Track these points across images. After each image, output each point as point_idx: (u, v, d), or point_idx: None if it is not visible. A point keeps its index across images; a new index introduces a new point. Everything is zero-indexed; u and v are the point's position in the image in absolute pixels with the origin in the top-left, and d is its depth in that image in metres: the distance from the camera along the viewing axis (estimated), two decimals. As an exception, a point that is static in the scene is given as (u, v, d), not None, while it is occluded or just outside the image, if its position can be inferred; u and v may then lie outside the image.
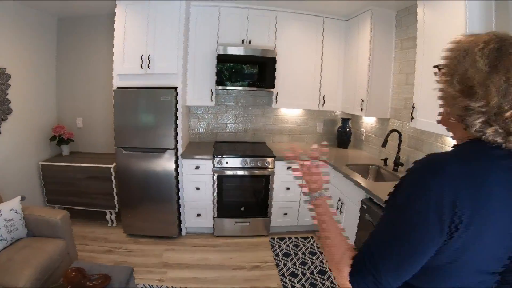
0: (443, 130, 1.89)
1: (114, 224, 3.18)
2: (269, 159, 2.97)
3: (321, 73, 3.25)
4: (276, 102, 3.22)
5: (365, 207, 2.16)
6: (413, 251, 0.64)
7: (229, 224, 3.05)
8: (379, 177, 2.80)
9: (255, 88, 3.11)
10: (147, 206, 2.90)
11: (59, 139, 3.17)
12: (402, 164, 2.64)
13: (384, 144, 2.60)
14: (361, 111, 2.87)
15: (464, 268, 0.68)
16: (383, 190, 2.10)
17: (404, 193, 0.68)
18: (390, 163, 2.79)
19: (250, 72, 3.08)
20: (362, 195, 2.23)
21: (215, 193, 2.96)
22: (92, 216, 3.22)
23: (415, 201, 0.65)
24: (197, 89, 3.08)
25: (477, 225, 0.63)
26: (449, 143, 2.18)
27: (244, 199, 3.05)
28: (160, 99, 2.70)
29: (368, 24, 2.80)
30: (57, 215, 2.24)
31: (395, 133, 2.66)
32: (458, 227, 0.62)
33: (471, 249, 0.65)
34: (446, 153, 0.70)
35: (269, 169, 2.98)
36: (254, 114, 3.58)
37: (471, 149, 0.69)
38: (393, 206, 0.70)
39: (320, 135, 3.74)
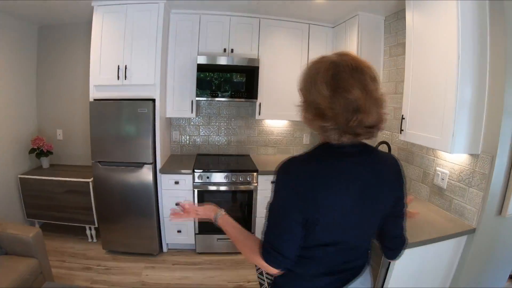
0: (434, 143, 1.90)
1: (94, 240, 3.08)
2: (252, 174, 2.85)
3: (307, 82, 3.13)
4: (259, 113, 3.10)
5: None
6: (288, 227, 0.87)
7: (211, 240, 2.94)
8: None
9: (237, 99, 2.99)
10: (127, 222, 2.80)
11: (38, 151, 3.09)
12: None
13: None
14: None
15: (327, 250, 0.92)
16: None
17: (273, 191, 0.91)
18: None
19: (232, 82, 2.97)
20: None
21: (196, 208, 2.85)
22: (72, 231, 3.13)
23: (279, 196, 0.89)
24: (177, 101, 2.98)
25: (326, 209, 0.85)
26: (442, 156, 2.05)
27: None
28: (137, 112, 2.60)
29: (355, 30, 2.67)
30: (30, 233, 2.14)
31: (384, 145, 2.53)
32: (309, 212, 0.85)
33: (327, 230, 0.89)
34: (301, 155, 0.93)
35: (253, 184, 2.86)
36: (237, 126, 3.47)
37: (323, 150, 0.91)
38: (269, 202, 0.92)
39: (307, 146, 3.62)
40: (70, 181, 2.91)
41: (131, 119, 2.63)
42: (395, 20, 2.58)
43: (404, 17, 2.11)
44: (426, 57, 1.88)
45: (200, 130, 3.40)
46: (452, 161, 1.97)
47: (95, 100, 2.70)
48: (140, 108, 2.59)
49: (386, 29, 2.71)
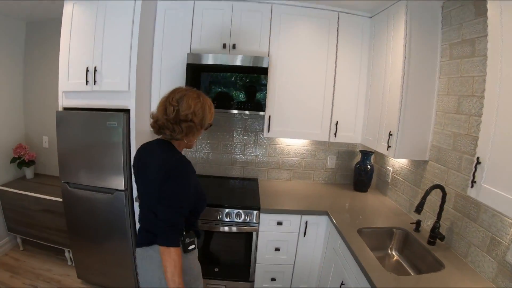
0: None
1: (74, 264, 2.71)
2: (253, 212, 2.18)
3: (333, 91, 2.32)
4: (268, 130, 2.38)
5: None
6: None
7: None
8: (406, 248, 1.89)
9: (236, 111, 2.30)
10: (100, 254, 2.34)
11: (20, 160, 2.77)
12: (442, 238, 1.68)
13: (419, 210, 1.66)
14: (388, 149, 1.92)
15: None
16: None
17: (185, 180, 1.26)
18: (425, 229, 1.87)
19: (233, 88, 2.29)
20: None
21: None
22: (54, 250, 2.79)
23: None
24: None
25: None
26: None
27: (218, 259, 2.33)
28: (105, 125, 2.07)
29: (402, 21, 1.82)
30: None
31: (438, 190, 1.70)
32: None
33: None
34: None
35: (252, 225, 2.19)
36: (243, 142, 2.79)
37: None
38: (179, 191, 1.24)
39: (332, 171, 2.81)
40: (45, 199, 2.53)
41: (100, 135, 2.11)
42: (459, 7, 1.68)
43: (473, 2, 1.36)
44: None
45: (198, 145, 2.79)
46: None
47: (64, 109, 2.25)
48: (109, 121, 2.05)
49: (445, 19, 1.80)
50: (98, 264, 2.37)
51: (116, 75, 2.09)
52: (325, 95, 2.32)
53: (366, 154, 2.53)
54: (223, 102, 2.27)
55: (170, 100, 1.26)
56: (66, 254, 2.70)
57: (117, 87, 2.09)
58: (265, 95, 2.26)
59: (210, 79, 2.27)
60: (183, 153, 1.38)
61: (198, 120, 1.28)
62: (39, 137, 2.93)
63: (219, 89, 2.28)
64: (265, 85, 2.25)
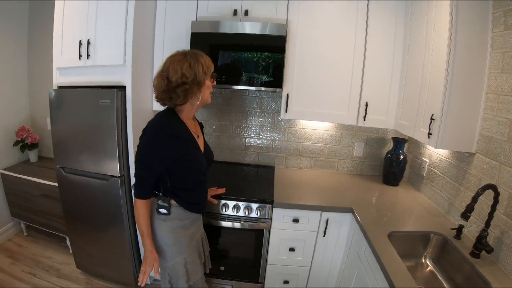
0: None
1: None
2: (265, 206, 1.88)
3: (363, 67, 1.94)
4: (286, 110, 2.06)
5: None
6: None
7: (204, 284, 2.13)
8: (443, 258, 1.53)
9: (247, 87, 1.99)
10: (98, 243, 2.16)
11: (23, 144, 2.64)
12: (490, 250, 1.31)
13: (467, 215, 1.30)
14: (428, 137, 1.53)
15: None
16: None
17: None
18: (467, 235, 1.53)
19: (245, 60, 1.97)
20: None
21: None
22: (57, 237, 2.66)
23: None
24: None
25: None
26: None
27: (223, 256, 2.07)
28: (98, 104, 1.84)
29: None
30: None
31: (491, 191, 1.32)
32: None
33: None
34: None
35: (264, 221, 1.90)
36: (259, 124, 2.48)
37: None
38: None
39: (360, 161, 2.45)
40: (45, 184, 2.38)
41: (93, 114, 1.88)
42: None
43: None
44: None
45: (208, 127, 2.51)
46: None
47: (59, 87, 2.05)
48: (102, 99, 1.82)
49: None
50: (97, 253, 2.19)
51: (110, 48, 1.84)
52: (354, 71, 1.95)
53: (399, 142, 2.14)
54: (233, 77, 1.96)
55: (160, 72, 1.26)
56: (68, 241, 2.56)
57: (111, 61, 1.85)
58: (282, 69, 1.93)
59: (216, 49, 1.96)
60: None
61: (191, 80, 1.22)
62: (44, 119, 2.78)
63: (229, 63, 1.97)
64: (283, 58, 1.91)
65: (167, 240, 1.37)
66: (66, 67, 1.99)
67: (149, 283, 2.29)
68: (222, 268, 2.08)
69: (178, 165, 1.28)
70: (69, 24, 1.92)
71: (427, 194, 2.01)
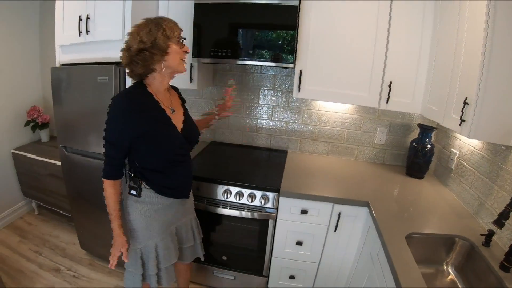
0: None
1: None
2: (270, 194, 1.73)
3: (387, 42, 1.69)
4: (299, 88, 1.86)
5: None
6: None
7: (204, 271, 2.04)
8: (468, 267, 1.31)
9: (259, 62, 1.78)
10: (101, 225, 2.09)
11: (34, 123, 2.63)
12: None
13: (501, 222, 1.09)
14: (460, 124, 1.29)
15: None
16: None
17: None
18: (497, 243, 1.29)
19: (253, 33, 1.78)
20: None
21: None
22: (66, 216, 2.67)
23: None
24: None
25: None
26: None
27: (225, 246, 1.95)
28: (96, 81, 1.74)
29: None
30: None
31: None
32: None
33: None
34: None
35: (269, 211, 1.75)
36: (271, 104, 2.30)
37: None
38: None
39: (382, 148, 2.21)
40: (52, 164, 2.37)
41: (92, 92, 1.79)
42: None
43: None
44: None
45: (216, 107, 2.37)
46: None
47: (62, 65, 1.98)
48: (100, 76, 1.71)
49: None
50: (101, 235, 2.14)
51: (109, 23, 1.72)
52: (376, 46, 1.70)
53: (426, 129, 1.89)
54: (238, 50, 1.78)
55: (124, 45, 1.15)
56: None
57: (110, 36, 1.72)
58: (294, 43, 1.73)
59: (222, 21, 1.79)
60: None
61: (149, 45, 1.09)
62: (53, 98, 2.76)
63: (234, 35, 1.79)
64: (295, 30, 1.70)
65: (138, 223, 1.30)
66: (67, 44, 1.90)
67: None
68: (224, 258, 1.96)
69: (143, 143, 1.16)
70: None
71: (454, 190, 1.77)
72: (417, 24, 1.65)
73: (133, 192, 1.27)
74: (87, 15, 1.75)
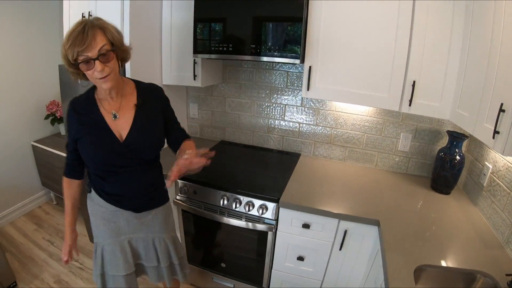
0: None
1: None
2: (269, 204, 1.58)
3: (410, 36, 1.43)
4: (308, 87, 1.67)
5: None
6: None
7: (205, 276, 1.96)
8: None
9: (263, 58, 1.60)
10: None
11: (53, 117, 2.70)
12: None
13: None
14: (494, 137, 1.03)
15: None
16: None
17: None
18: None
19: (255, 28, 1.62)
20: None
21: (182, 231, 1.88)
22: (80, 209, 2.74)
23: None
24: (176, 60, 1.90)
25: None
26: None
27: (223, 253, 1.85)
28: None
29: None
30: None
31: None
32: None
33: None
34: None
35: (267, 222, 1.61)
36: (283, 104, 2.13)
37: None
38: None
39: (405, 156, 1.95)
40: (63, 156, 2.40)
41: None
42: None
43: None
44: None
45: (227, 104, 2.26)
46: None
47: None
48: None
49: None
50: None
51: (109, 17, 1.65)
52: (397, 40, 1.46)
53: (457, 138, 1.61)
54: (239, 45, 1.63)
55: None
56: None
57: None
58: (305, 34, 1.55)
59: (223, 14, 1.64)
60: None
61: (62, 56, 1.00)
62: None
63: (236, 29, 1.64)
64: (301, 19, 1.51)
65: (90, 218, 1.34)
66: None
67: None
68: (223, 265, 1.86)
69: (80, 145, 1.15)
70: (76, -1, 1.80)
71: (484, 211, 1.49)
72: (445, 20, 1.37)
73: (87, 187, 1.31)
74: (89, 12, 1.73)
